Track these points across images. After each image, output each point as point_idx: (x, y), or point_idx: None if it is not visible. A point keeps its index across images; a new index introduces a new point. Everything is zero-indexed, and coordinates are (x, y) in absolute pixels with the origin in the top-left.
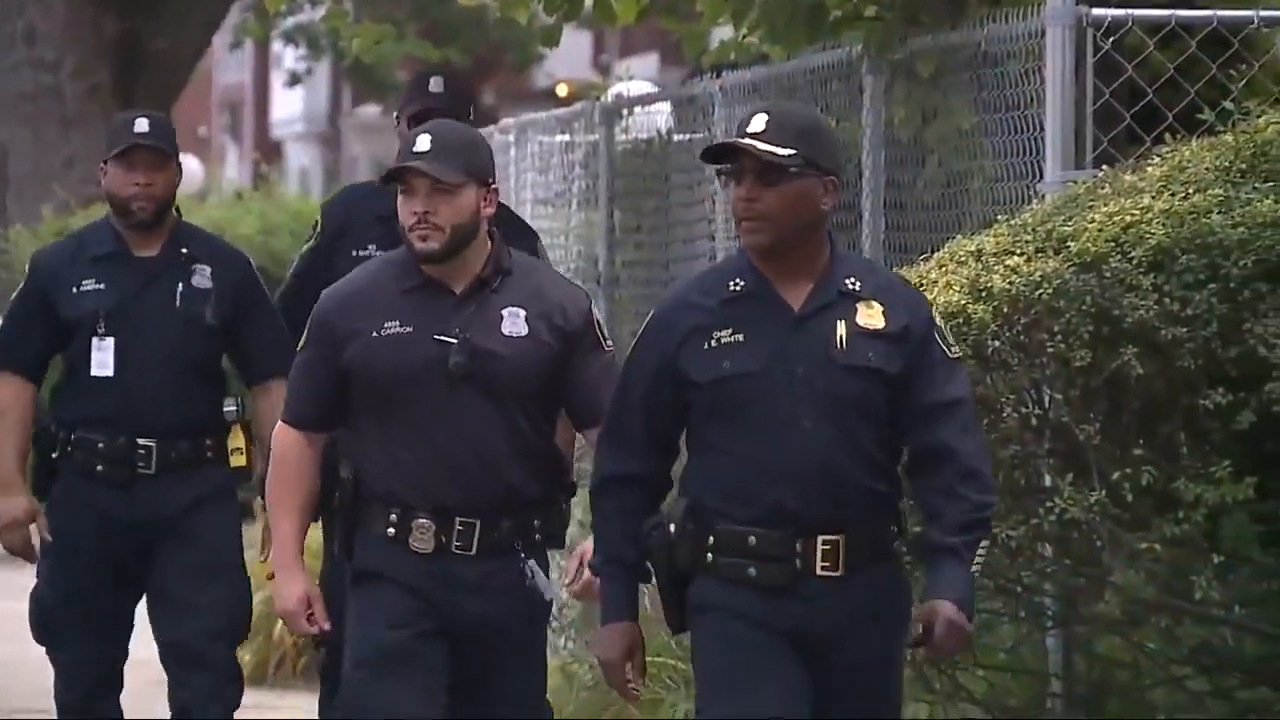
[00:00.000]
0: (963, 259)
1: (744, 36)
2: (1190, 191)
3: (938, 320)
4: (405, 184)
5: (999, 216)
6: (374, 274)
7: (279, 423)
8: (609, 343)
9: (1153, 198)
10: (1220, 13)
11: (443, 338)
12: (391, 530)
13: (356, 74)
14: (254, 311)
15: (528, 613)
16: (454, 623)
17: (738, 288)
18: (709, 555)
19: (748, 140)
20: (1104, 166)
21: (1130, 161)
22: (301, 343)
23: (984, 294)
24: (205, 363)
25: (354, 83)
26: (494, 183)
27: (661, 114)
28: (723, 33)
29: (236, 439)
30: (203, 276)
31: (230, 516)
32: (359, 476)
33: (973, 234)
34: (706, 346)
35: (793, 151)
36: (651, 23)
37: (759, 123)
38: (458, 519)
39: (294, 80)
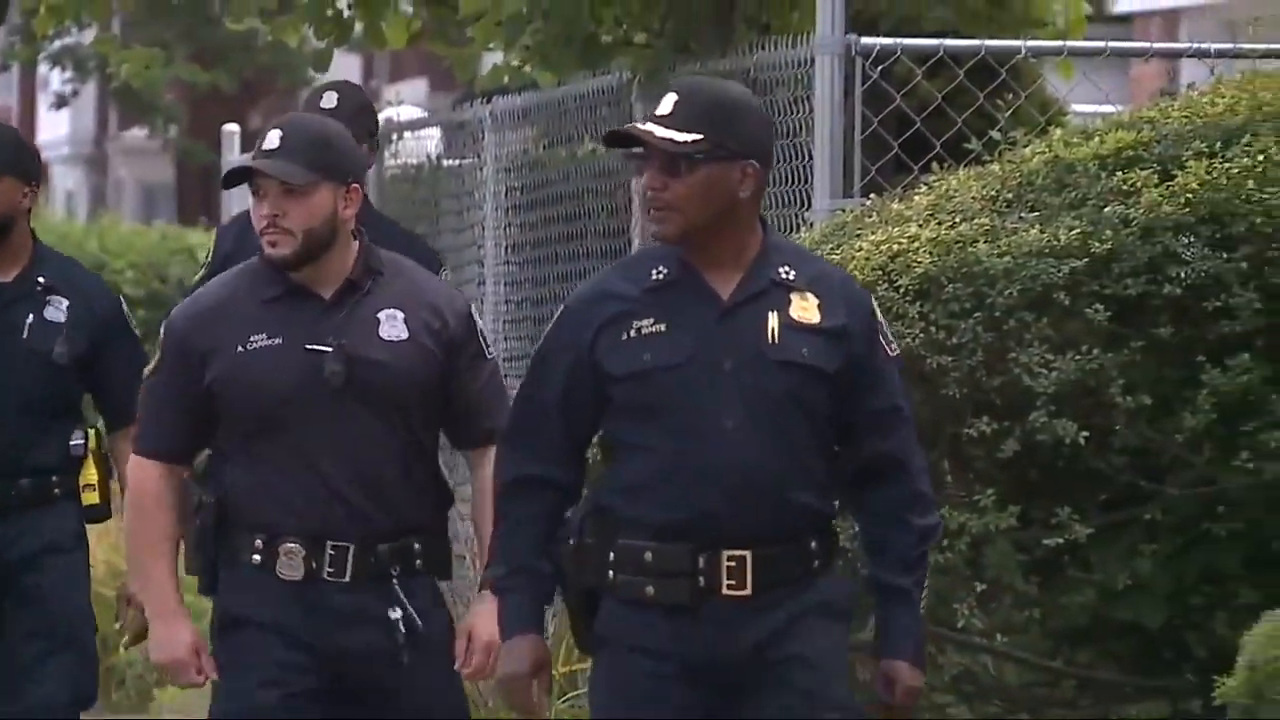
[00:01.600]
0: None
1: (520, 65)
2: (957, 220)
3: (879, 317)
4: (255, 185)
5: None
6: (231, 285)
7: (133, 456)
8: (491, 350)
9: (920, 226)
10: (988, 42)
11: (316, 347)
12: (258, 558)
13: (123, 97)
14: (115, 350)
15: (412, 644)
16: (331, 663)
17: (660, 275)
18: (610, 573)
19: (649, 126)
20: (872, 195)
21: (898, 190)
22: (152, 366)
23: None
24: (54, 400)
25: (121, 105)
26: (354, 181)
27: (431, 139)
28: (494, 57)
29: (89, 474)
30: (57, 309)
31: (79, 568)
32: (223, 504)
33: None
34: (625, 337)
35: (698, 136)
36: (421, 48)
37: (667, 104)
38: (329, 543)
39: (60, 103)
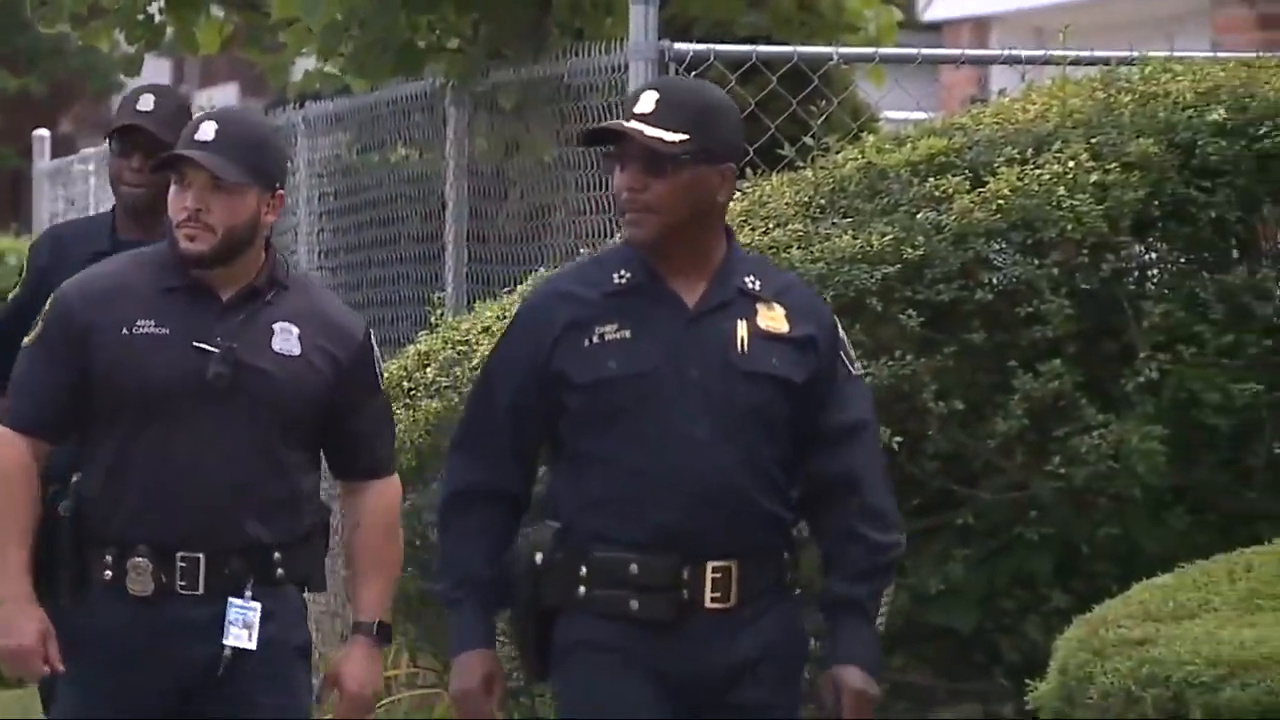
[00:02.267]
0: None
1: (334, 72)
2: (771, 226)
3: (840, 331)
4: (180, 174)
5: (582, 249)
6: (126, 268)
7: (3, 427)
8: (384, 382)
9: (734, 231)
10: (801, 49)
11: (203, 345)
12: (109, 574)
13: None
14: None
15: (269, 655)
16: (180, 678)
17: (623, 280)
18: (581, 588)
19: (634, 124)
20: None
21: None
22: (32, 336)
23: None
24: None
25: None
26: (281, 188)
27: None
28: (306, 62)
29: None
30: None
31: None
32: (80, 514)
33: (556, 266)
34: (588, 343)
35: (685, 137)
36: (232, 52)
37: (648, 102)
38: (179, 555)
39: None
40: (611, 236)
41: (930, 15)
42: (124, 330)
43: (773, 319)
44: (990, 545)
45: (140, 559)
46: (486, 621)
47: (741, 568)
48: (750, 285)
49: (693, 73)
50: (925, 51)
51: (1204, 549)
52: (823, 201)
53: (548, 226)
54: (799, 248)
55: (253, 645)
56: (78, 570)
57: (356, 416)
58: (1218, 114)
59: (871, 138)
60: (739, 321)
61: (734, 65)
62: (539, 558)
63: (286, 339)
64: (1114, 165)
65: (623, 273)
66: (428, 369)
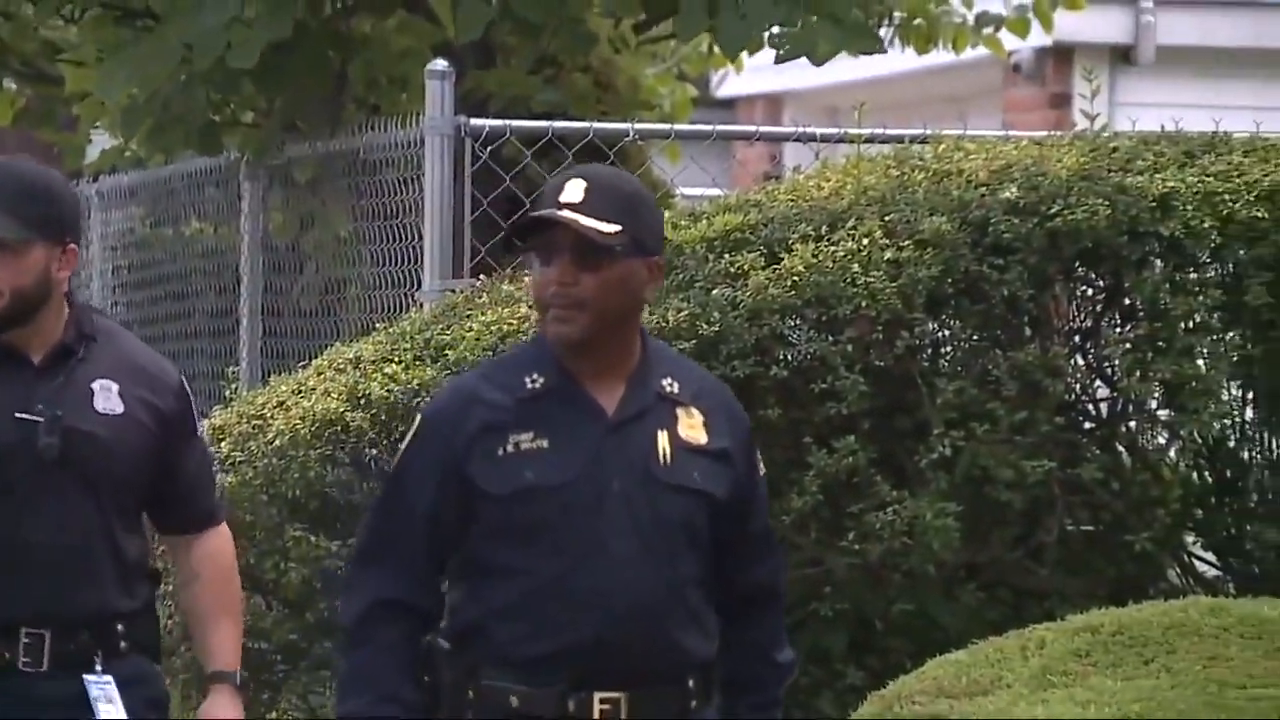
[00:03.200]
0: (341, 366)
1: (132, 152)
2: None
3: (750, 434)
4: None
5: (378, 324)
6: None
7: None
8: (202, 427)
9: (529, 307)
10: (596, 124)
11: (26, 415)
12: None
13: None
14: None
15: None
16: None
17: (536, 384)
18: (469, 712)
19: (568, 214)
20: (482, 276)
21: (508, 271)
22: None
23: (362, 402)
24: None
25: None
26: (72, 241)
27: None
28: (102, 138)
29: None
30: None
31: None
32: None
33: (351, 341)
34: (502, 452)
35: (619, 228)
36: (21, 129)
37: (575, 190)
38: (24, 630)
39: None
40: (405, 310)
41: (724, 92)
42: None
43: (692, 427)
44: (785, 622)
45: None
46: None
47: (635, 700)
48: (669, 389)
49: (489, 148)
50: (720, 128)
51: (997, 625)
52: None
53: (342, 301)
54: None
55: (123, 715)
56: None
57: (182, 467)
58: (1010, 192)
59: (667, 214)
60: (660, 431)
61: (530, 141)
62: (428, 677)
63: (108, 397)
64: (908, 243)
65: (535, 376)
66: (222, 443)
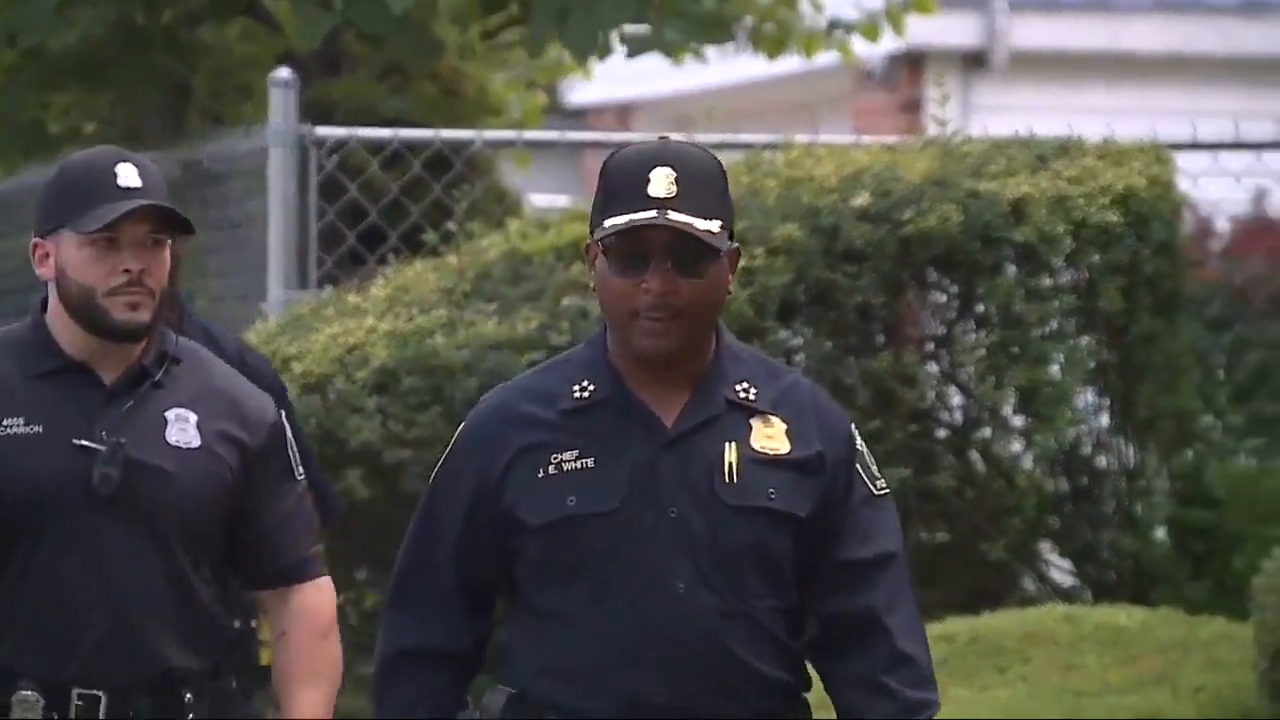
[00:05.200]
0: None
1: None
2: (415, 313)
3: (859, 443)
4: (115, 230)
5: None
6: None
7: None
8: (301, 471)
9: (377, 319)
10: (443, 132)
11: (86, 443)
12: None
13: None
14: None
15: None
16: None
17: (585, 394)
18: None
19: (674, 214)
20: (329, 287)
21: (354, 281)
22: None
23: None
24: None
25: None
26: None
27: None
28: None
29: None
30: None
31: None
32: None
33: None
34: (543, 474)
35: (720, 223)
36: None
37: (664, 181)
38: (76, 692)
39: None
40: (252, 323)
41: (575, 100)
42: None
43: (770, 436)
44: None
45: (28, 693)
46: None
47: None
48: (743, 395)
49: (334, 156)
50: (569, 135)
51: None
52: (467, 287)
53: (187, 312)
54: (443, 334)
55: None
56: None
57: (267, 511)
58: (861, 198)
59: (516, 223)
60: (728, 444)
61: (376, 150)
62: None
63: (183, 429)
64: (759, 250)
65: (585, 384)
66: None
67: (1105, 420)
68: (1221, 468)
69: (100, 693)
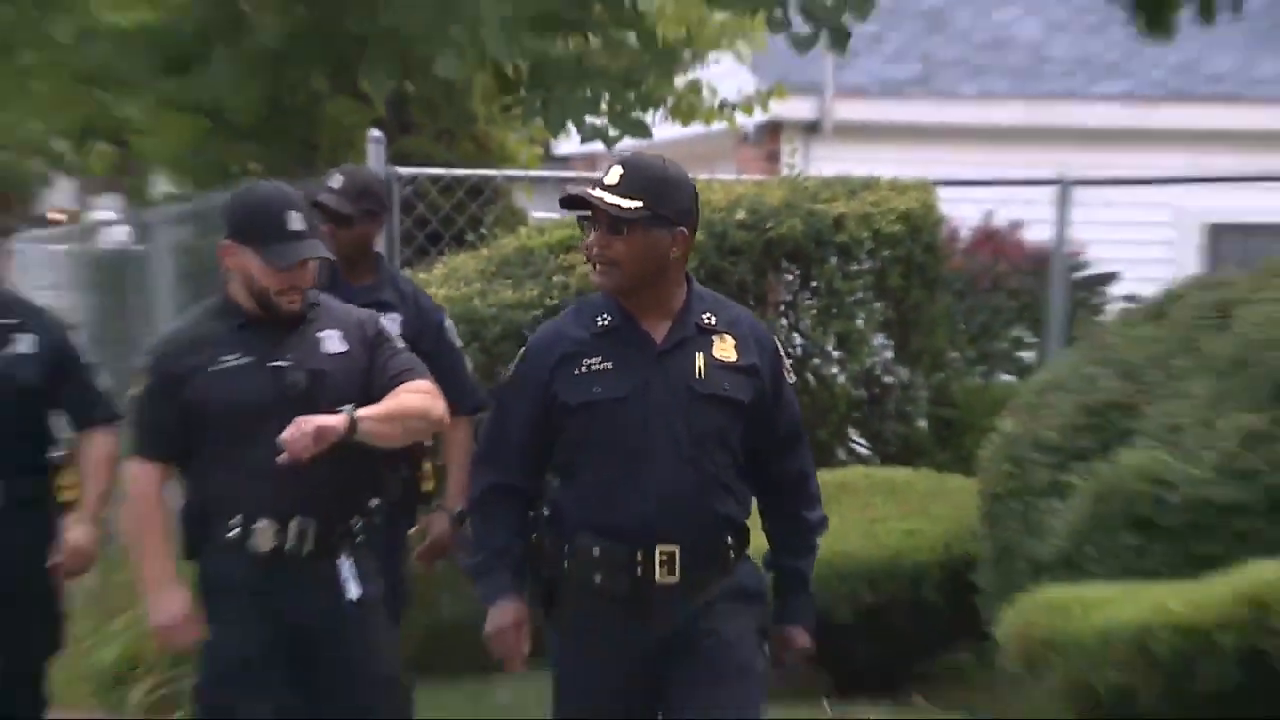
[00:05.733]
0: None
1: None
2: (461, 285)
3: (781, 353)
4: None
5: None
6: (199, 319)
7: (132, 461)
8: (403, 344)
9: (438, 288)
10: (476, 171)
11: (279, 363)
12: (234, 534)
13: None
14: (71, 370)
15: (357, 603)
16: (295, 617)
17: (605, 322)
18: (565, 564)
19: (597, 193)
20: (407, 269)
21: (424, 266)
22: (141, 389)
23: None
24: (32, 415)
25: None
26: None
27: None
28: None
29: (66, 479)
30: (24, 343)
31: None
32: (205, 498)
33: None
34: (577, 372)
35: (639, 205)
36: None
37: (613, 175)
38: (294, 520)
39: None
40: None
41: (561, 151)
42: (211, 368)
43: (724, 349)
44: None
45: (265, 523)
46: (515, 579)
47: (684, 552)
48: (706, 321)
49: (408, 186)
50: (557, 173)
51: None
52: (493, 269)
53: (382, 264)
54: (479, 299)
55: (353, 595)
56: (206, 533)
57: (386, 367)
58: (740, 214)
59: (524, 229)
60: (697, 354)
61: (435, 181)
62: (535, 538)
63: (333, 341)
64: None
65: (604, 316)
66: None
67: (890, 355)
68: (961, 384)
69: (313, 519)
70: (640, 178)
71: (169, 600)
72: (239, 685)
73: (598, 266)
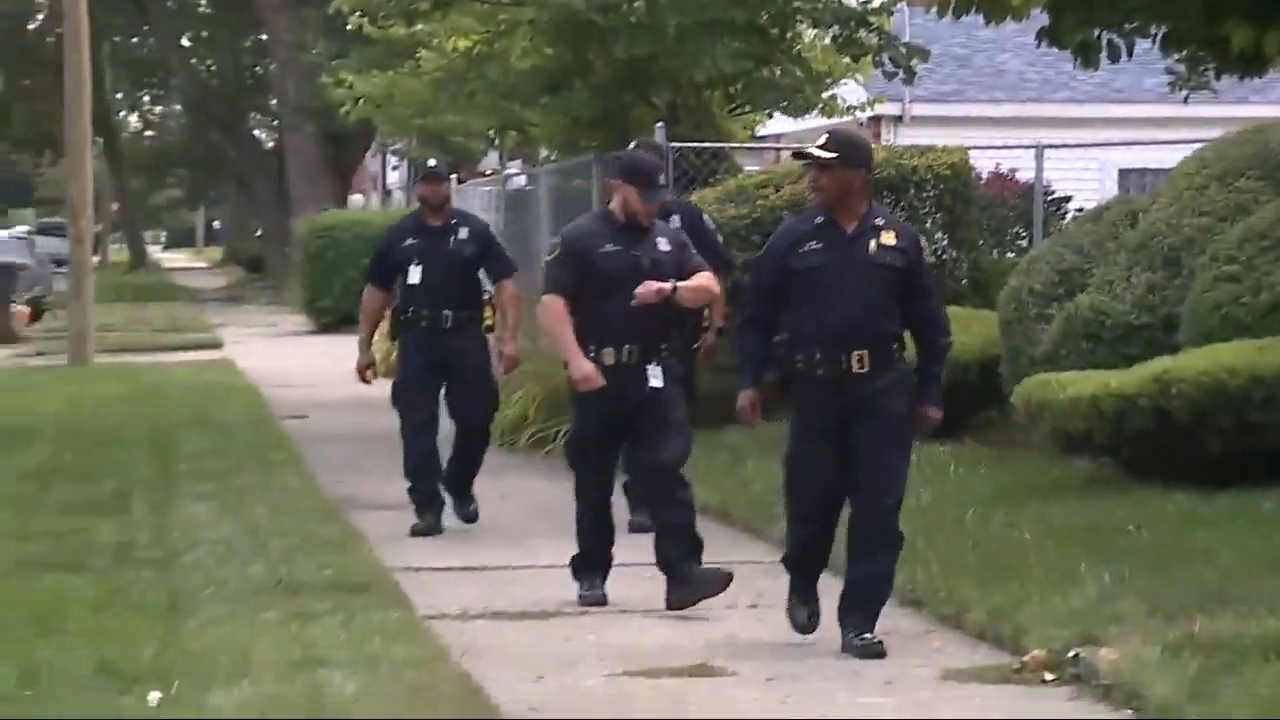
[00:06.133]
0: None
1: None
2: (706, 206)
3: (923, 244)
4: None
5: None
6: (592, 218)
7: (548, 295)
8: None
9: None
10: (714, 144)
11: (635, 253)
12: (592, 353)
13: None
14: (491, 248)
15: (664, 389)
16: (623, 398)
17: (819, 221)
18: (798, 364)
19: (812, 149)
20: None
21: (687, 196)
22: (553, 256)
23: None
24: (471, 274)
25: None
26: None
27: None
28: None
29: (488, 312)
30: (464, 233)
31: (486, 351)
32: (578, 325)
33: None
34: (802, 250)
35: (835, 155)
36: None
37: (822, 139)
38: (626, 346)
39: None
40: None
41: (760, 133)
42: (599, 250)
43: (888, 238)
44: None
45: (608, 349)
46: (756, 377)
47: (870, 353)
48: (878, 222)
49: (677, 155)
50: (758, 146)
51: None
52: (724, 197)
53: (677, 200)
54: (716, 213)
55: (656, 383)
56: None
57: (688, 264)
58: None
59: (737, 177)
60: (871, 239)
61: (694, 151)
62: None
63: (662, 242)
64: None
65: (818, 218)
66: None
67: (945, 243)
68: (985, 259)
69: (637, 345)
70: (835, 140)
71: (582, 364)
72: (594, 438)
73: (812, 191)
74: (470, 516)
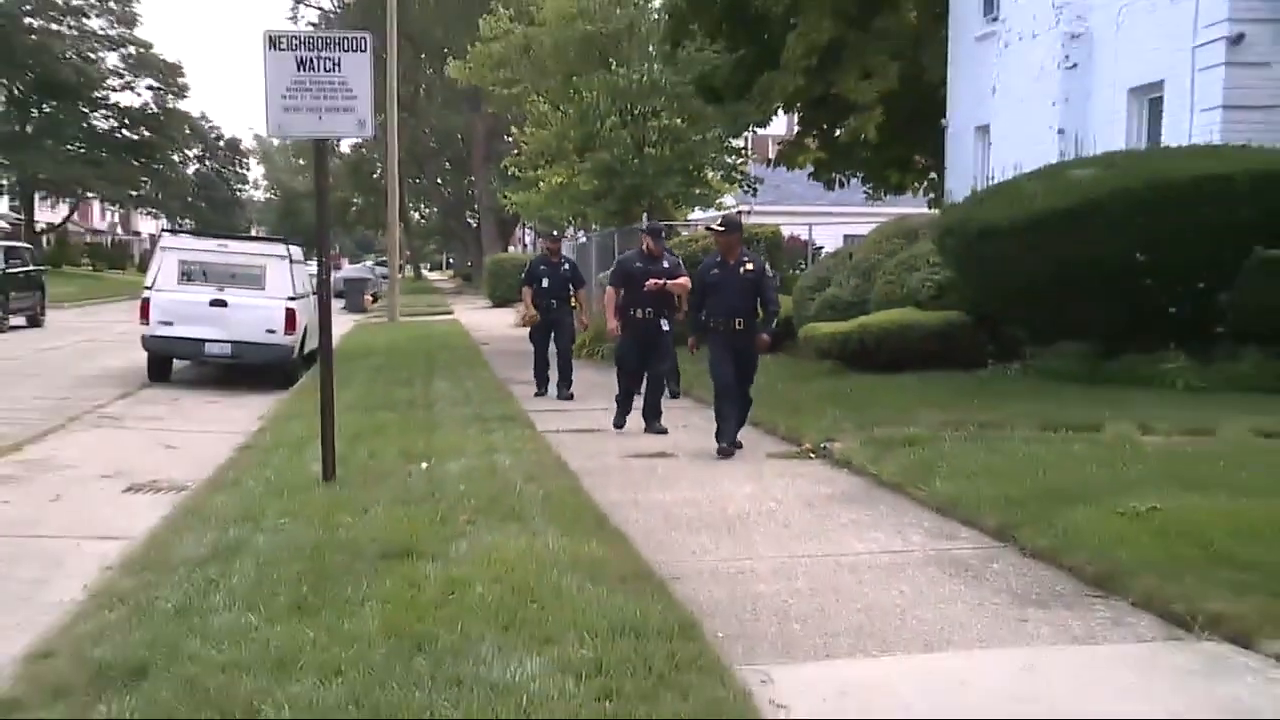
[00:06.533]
0: None
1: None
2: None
3: (766, 268)
4: None
5: None
6: (632, 256)
7: (610, 288)
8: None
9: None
10: (667, 222)
11: (651, 269)
12: (633, 312)
13: None
14: (575, 271)
15: (666, 332)
16: (646, 336)
17: (718, 259)
18: (709, 324)
19: (714, 226)
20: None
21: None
22: (613, 271)
23: None
24: (567, 283)
25: None
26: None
27: None
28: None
29: (573, 301)
30: (565, 265)
31: (571, 319)
32: (626, 302)
33: None
34: (712, 272)
35: (724, 228)
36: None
37: (719, 220)
38: (648, 308)
39: None
40: None
41: (690, 218)
42: (636, 265)
43: (750, 266)
44: None
45: (639, 311)
46: (697, 329)
47: (744, 320)
48: (745, 259)
49: (663, 230)
50: (697, 223)
51: None
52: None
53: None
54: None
55: (667, 328)
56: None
57: (673, 271)
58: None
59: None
60: (741, 266)
61: (670, 227)
62: (702, 317)
63: (664, 264)
64: None
65: (718, 257)
66: None
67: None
68: (790, 280)
69: (653, 309)
70: (725, 221)
71: (612, 321)
72: (628, 358)
73: (716, 243)
74: (568, 397)
